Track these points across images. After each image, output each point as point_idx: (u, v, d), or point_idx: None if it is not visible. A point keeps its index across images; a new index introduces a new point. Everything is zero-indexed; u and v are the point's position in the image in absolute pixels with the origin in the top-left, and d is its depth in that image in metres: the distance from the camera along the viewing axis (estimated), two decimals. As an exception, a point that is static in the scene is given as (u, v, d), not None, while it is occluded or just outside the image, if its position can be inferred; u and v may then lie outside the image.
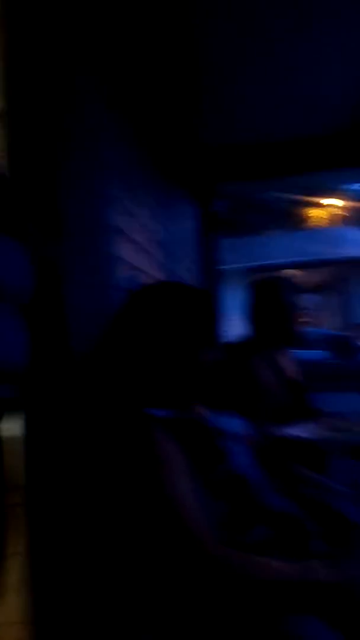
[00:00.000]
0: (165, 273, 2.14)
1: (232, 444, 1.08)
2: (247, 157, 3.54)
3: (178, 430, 1.00)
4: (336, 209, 19.23)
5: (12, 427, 1.02)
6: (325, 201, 18.34)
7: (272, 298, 1.87)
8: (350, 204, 18.13)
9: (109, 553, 1.03)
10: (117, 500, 0.96)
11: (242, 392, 1.72)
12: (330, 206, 18.89)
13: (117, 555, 0.99)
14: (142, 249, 1.75)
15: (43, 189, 1.13)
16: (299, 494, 1.25)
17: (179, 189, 3.00)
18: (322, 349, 8.44)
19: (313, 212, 20.40)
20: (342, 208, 18.65)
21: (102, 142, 1.48)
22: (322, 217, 20.09)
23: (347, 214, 18.10)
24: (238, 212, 18.69)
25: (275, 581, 0.85)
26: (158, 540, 0.89)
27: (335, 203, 18.41)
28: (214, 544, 0.86)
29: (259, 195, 18.15)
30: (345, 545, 1.13)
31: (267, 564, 0.87)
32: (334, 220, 19.11)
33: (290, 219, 20.08)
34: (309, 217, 20.51)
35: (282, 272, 13.32)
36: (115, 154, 1.59)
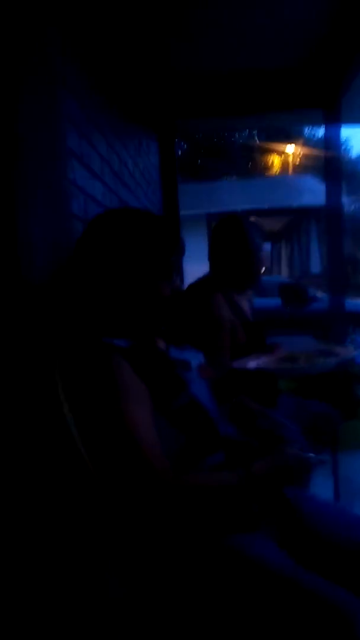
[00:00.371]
0: (120, 205, 2.06)
1: (189, 375, 1.09)
2: (209, 89, 3.39)
3: (138, 359, 0.99)
4: (297, 157, 19.11)
5: None
6: (286, 148, 18.14)
7: (235, 236, 1.82)
8: (311, 151, 18.01)
9: (68, 487, 1.03)
10: (77, 431, 0.95)
11: (201, 328, 1.72)
12: (291, 154, 18.73)
13: (76, 490, 0.99)
14: (98, 177, 1.67)
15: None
16: (252, 426, 1.29)
17: (139, 122, 2.86)
18: (275, 297, 8.59)
19: (273, 159, 20.20)
20: (303, 156, 18.54)
21: (61, 62, 1.36)
22: (282, 165, 19.94)
23: (308, 162, 18.01)
24: (197, 157, 18.26)
25: (221, 487, 0.91)
26: (117, 472, 0.90)
27: (296, 150, 18.26)
28: (169, 472, 0.88)
29: (219, 140, 17.74)
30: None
31: (213, 476, 0.93)
32: (294, 168, 19.02)
33: (250, 166, 19.83)
34: (269, 164, 20.31)
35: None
36: (74, 75, 1.47)
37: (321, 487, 2.50)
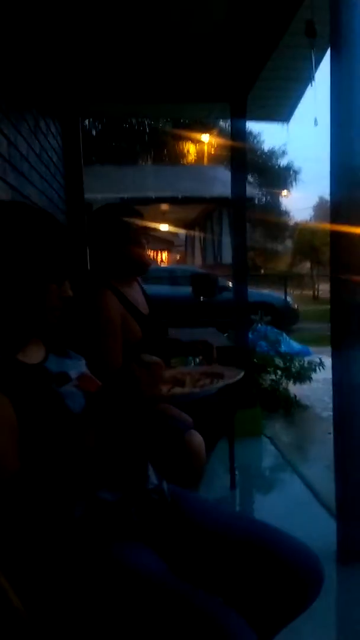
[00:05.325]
0: (12, 195, 1.93)
1: (65, 390, 1.00)
2: (115, 76, 3.28)
3: (7, 377, 0.90)
4: (212, 147, 19.42)
5: None
6: (201, 137, 18.35)
7: (111, 224, 1.70)
8: (225, 142, 18.33)
9: None
10: None
11: (87, 329, 1.62)
12: (206, 143, 18.98)
13: None
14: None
15: None
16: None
17: (37, 102, 2.69)
18: (185, 286, 8.71)
19: (189, 148, 20.36)
20: (218, 146, 18.87)
21: None
22: (197, 154, 20.16)
23: (222, 153, 18.35)
24: (112, 139, 17.89)
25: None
26: None
27: (211, 140, 18.53)
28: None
29: (134, 124, 17.51)
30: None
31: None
32: (209, 157, 19.32)
33: (165, 152, 19.83)
34: (185, 152, 20.45)
35: (155, 207, 13.22)
36: None
37: (219, 474, 2.58)
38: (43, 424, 0.91)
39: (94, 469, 0.91)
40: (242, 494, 2.64)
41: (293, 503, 2.39)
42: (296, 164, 21.61)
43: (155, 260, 18.49)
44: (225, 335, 4.10)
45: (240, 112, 3.74)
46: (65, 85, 3.34)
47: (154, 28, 2.73)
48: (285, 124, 4.49)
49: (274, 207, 20.83)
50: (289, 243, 22.47)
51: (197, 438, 1.81)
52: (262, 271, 17.88)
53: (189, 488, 1.90)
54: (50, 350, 1.06)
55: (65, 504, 0.89)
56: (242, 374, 1.16)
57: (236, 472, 2.59)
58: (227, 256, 14.21)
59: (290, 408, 3.79)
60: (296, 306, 10.12)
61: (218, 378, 1.13)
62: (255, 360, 3.91)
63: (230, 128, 3.84)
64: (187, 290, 8.54)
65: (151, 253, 18.56)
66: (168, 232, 17.83)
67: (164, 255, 19.82)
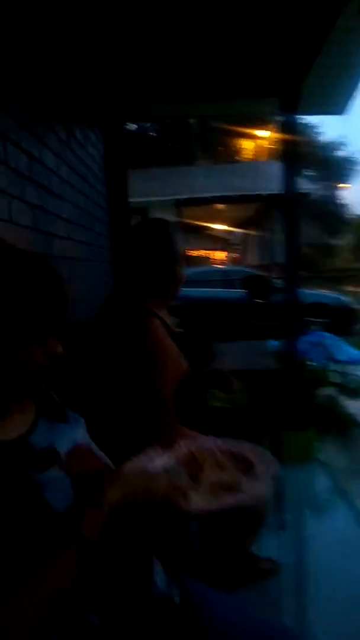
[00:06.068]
0: (32, 218, 1.80)
1: (48, 475, 0.79)
2: (157, 77, 3.11)
3: None
4: (270, 142, 18.89)
5: None
6: (259, 133, 17.89)
7: (164, 241, 1.53)
8: (280, 136, 17.73)
9: None
10: None
11: (141, 367, 1.40)
12: (261, 138, 18.51)
13: None
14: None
15: None
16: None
17: (74, 110, 2.57)
18: (240, 288, 8.47)
19: (244, 144, 19.94)
20: (272, 141, 18.33)
21: None
22: (252, 150, 19.71)
23: (276, 147, 17.80)
24: (169, 139, 17.81)
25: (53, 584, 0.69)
26: None
27: (270, 136, 18.03)
28: None
29: (188, 123, 17.34)
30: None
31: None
32: (268, 153, 18.81)
33: (222, 150, 19.53)
34: (240, 150, 20.04)
35: (211, 206, 12.96)
36: None
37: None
38: (11, 526, 0.71)
39: (77, 586, 0.73)
40: (292, 536, 2.38)
41: (350, 547, 2.13)
42: (357, 155, 20.65)
43: (210, 259, 18.25)
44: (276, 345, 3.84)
45: (292, 106, 3.47)
46: (106, 90, 3.21)
47: (196, 23, 2.53)
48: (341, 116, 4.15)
49: (332, 200, 20.02)
50: (349, 238, 21.52)
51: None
52: (319, 268, 17.21)
53: (250, 535, 1.69)
54: (42, 413, 0.90)
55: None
56: (275, 469, 0.96)
57: (285, 509, 2.34)
58: (283, 256, 13.71)
59: (346, 428, 3.47)
60: (355, 306, 9.48)
61: (246, 464, 0.94)
62: (307, 375, 3.63)
63: (283, 122, 3.57)
64: (242, 292, 8.28)
65: (205, 252, 18.35)
66: (223, 230, 17.52)
67: (222, 254, 19.49)
